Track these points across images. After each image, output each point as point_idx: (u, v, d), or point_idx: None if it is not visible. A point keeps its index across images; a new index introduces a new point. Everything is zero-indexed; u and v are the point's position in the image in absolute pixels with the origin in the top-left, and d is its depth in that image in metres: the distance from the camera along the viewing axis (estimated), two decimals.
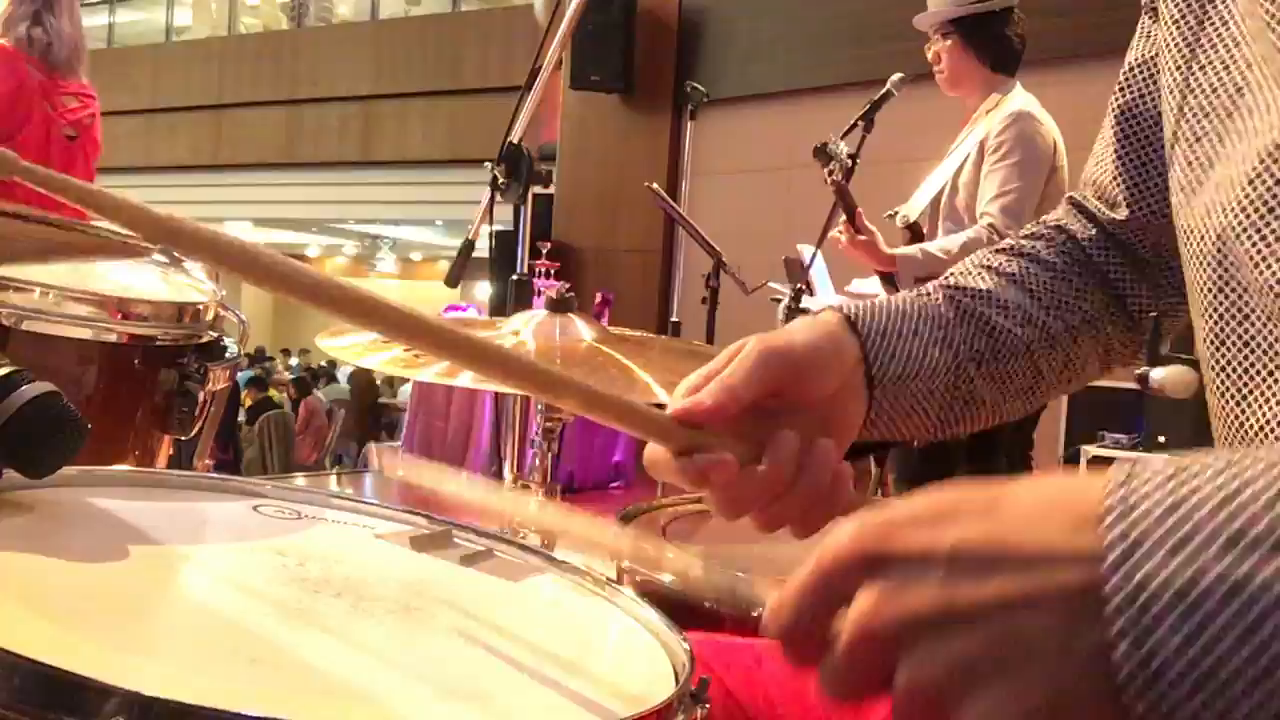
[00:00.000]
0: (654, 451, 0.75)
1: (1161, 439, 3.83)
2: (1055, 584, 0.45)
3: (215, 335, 1.61)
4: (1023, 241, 0.94)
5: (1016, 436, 3.63)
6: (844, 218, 3.11)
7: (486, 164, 2.22)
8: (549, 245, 6.03)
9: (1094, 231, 0.93)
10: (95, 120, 3.55)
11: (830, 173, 3.12)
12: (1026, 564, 0.46)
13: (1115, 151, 0.90)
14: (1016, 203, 2.96)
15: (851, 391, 0.81)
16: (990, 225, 2.95)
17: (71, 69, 3.46)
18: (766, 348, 0.76)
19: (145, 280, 1.68)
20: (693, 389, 0.76)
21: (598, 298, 6.59)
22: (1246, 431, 0.70)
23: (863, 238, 3.07)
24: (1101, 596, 0.44)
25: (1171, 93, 0.78)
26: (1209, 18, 0.76)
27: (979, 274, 0.90)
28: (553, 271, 5.64)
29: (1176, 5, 0.79)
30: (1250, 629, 0.41)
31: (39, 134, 3.33)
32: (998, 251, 0.93)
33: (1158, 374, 0.72)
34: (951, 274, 0.91)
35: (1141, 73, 0.88)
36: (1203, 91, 0.75)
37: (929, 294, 0.88)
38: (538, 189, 2.40)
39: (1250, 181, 0.68)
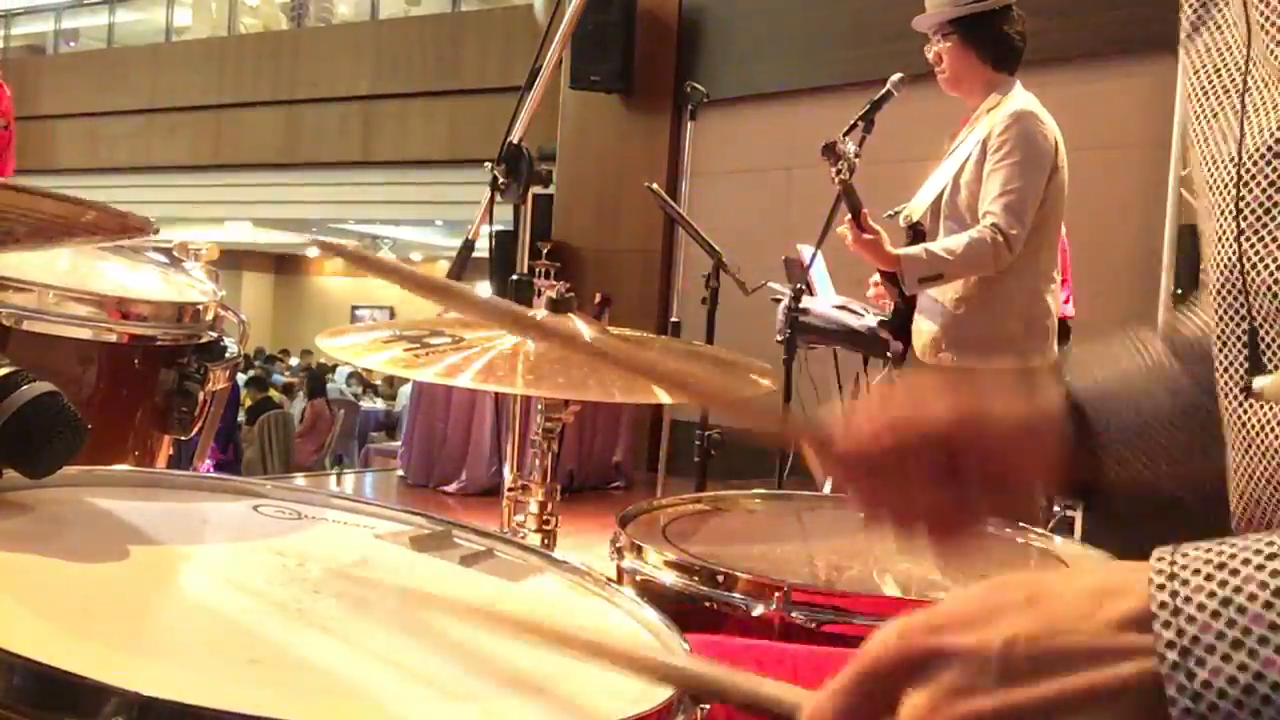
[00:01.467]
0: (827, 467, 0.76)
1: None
2: (1112, 681, 0.45)
3: (215, 335, 1.61)
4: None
5: None
6: (849, 216, 3.11)
7: (486, 164, 2.21)
8: (549, 245, 6.03)
9: None
10: (11, 102, 3.72)
11: (838, 171, 3.11)
12: (1080, 661, 0.45)
13: None
14: (1019, 202, 2.96)
15: (1036, 469, 0.80)
16: (994, 225, 2.95)
17: None
18: (959, 416, 0.74)
19: (145, 280, 1.68)
20: (867, 414, 0.75)
21: (598, 298, 6.59)
22: (1249, 431, 0.71)
23: (868, 237, 3.07)
24: (1160, 694, 0.44)
25: (1186, 97, 0.79)
26: (1205, 23, 0.76)
27: (1191, 328, 0.88)
28: (553, 271, 5.63)
29: (1186, 12, 0.79)
30: None
31: None
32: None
33: (1260, 382, 0.72)
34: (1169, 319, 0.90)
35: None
36: (1197, 95, 0.76)
37: (1149, 344, 0.87)
38: (538, 189, 2.40)
39: (1245, 183, 0.69)
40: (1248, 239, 0.69)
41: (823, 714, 0.51)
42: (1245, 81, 0.71)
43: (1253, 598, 0.44)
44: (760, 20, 7.62)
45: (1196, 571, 0.46)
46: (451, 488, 6.32)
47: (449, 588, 0.87)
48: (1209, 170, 0.73)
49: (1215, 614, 0.44)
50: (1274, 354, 0.69)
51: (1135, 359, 0.86)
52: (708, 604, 1.15)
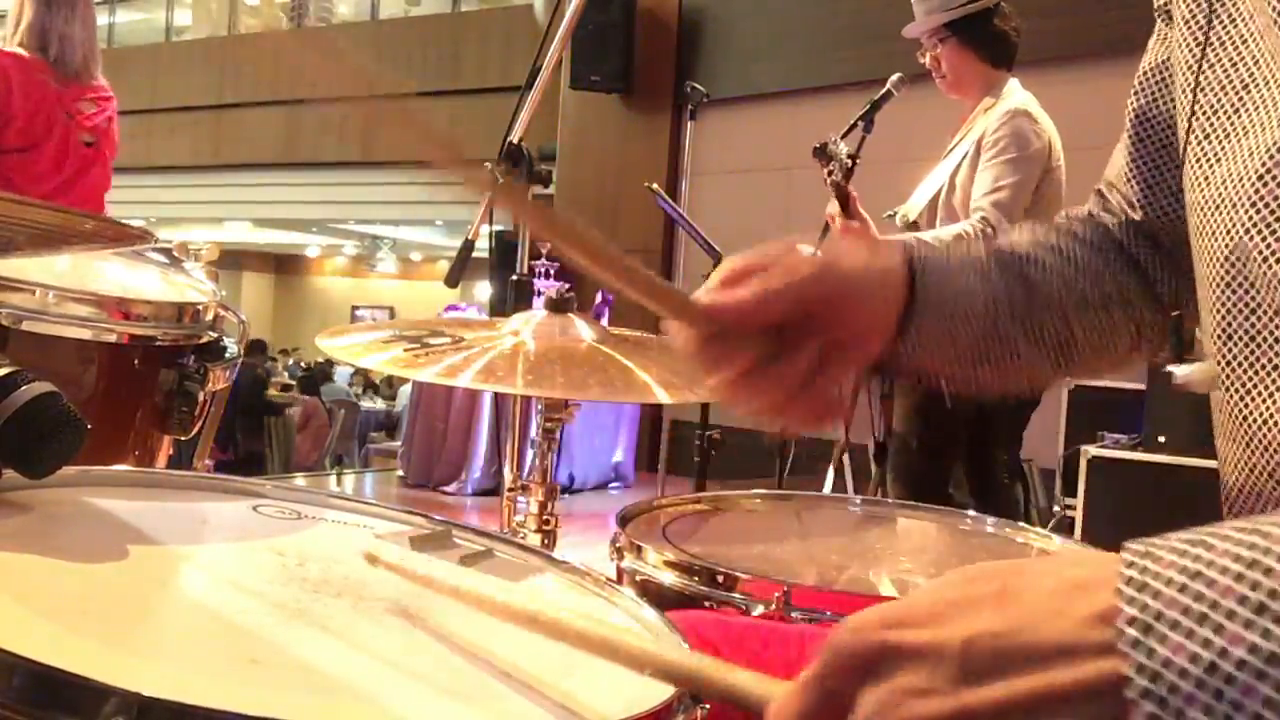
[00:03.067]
0: (675, 327, 0.75)
1: (1161, 439, 3.82)
2: (1077, 679, 0.42)
3: (215, 335, 1.61)
4: (1061, 221, 0.96)
5: (1013, 434, 3.64)
6: (837, 206, 3.12)
7: (486, 164, 2.21)
8: (549, 245, 6.02)
9: (1122, 219, 0.94)
10: (113, 121, 3.50)
11: (830, 173, 3.12)
12: (1045, 659, 0.43)
13: (1129, 154, 0.91)
14: (1009, 199, 2.97)
15: (884, 321, 0.81)
16: (983, 219, 2.96)
17: (88, 72, 3.40)
18: (820, 269, 0.75)
19: (145, 280, 1.68)
20: (733, 277, 0.75)
21: (598, 298, 6.59)
22: (1249, 425, 0.71)
23: (855, 223, 3.07)
24: (1124, 682, 0.41)
25: (1184, 92, 0.79)
26: (1217, 15, 0.76)
27: (1020, 239, 0.92)
28: (553, 271, 5.63)
29: (1187, 5, 0.79)
30: None
31: (59, 145, 3.28)
32: (1037, 225, 0.95)
33: (1183, 370, 0.73)
34: (995, 239, 0.93)
35: (1155, 76, 0.89)
36: (1211, 89, 0.75)
37: (974, 244, 0.90)
38: (538, 189, 2.40)
39: (1260, 177, 0.68)
40: (1259, 232, 0.68)
41: (784, 713, 0.49)
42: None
43: (1224, 570, 0.41)
44: (760, 20, 7.63)
45: (1172, 549, 0.43)
46: (451, 488, 6.32)
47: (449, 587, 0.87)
48: (1225, 164, 0.72)
49: (1183, 588, 0.41)
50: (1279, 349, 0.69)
51: (960, 246, 0.89)
52: (708, 604, 1.15)
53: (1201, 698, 0.39)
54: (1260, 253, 0.68)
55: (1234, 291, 0.71)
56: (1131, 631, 0.41)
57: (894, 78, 3.40)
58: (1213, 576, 0.41)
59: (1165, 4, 0.85)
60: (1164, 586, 0.42)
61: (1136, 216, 0.92)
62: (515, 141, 2.18)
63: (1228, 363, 0.72)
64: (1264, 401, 0.69)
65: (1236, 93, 0.73)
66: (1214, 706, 0.39)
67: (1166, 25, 0.86)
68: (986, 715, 0.44)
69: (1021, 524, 1.52)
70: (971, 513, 1.62)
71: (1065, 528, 4.21)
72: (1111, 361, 0.94)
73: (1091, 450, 3.92)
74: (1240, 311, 0.71)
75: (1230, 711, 0.39)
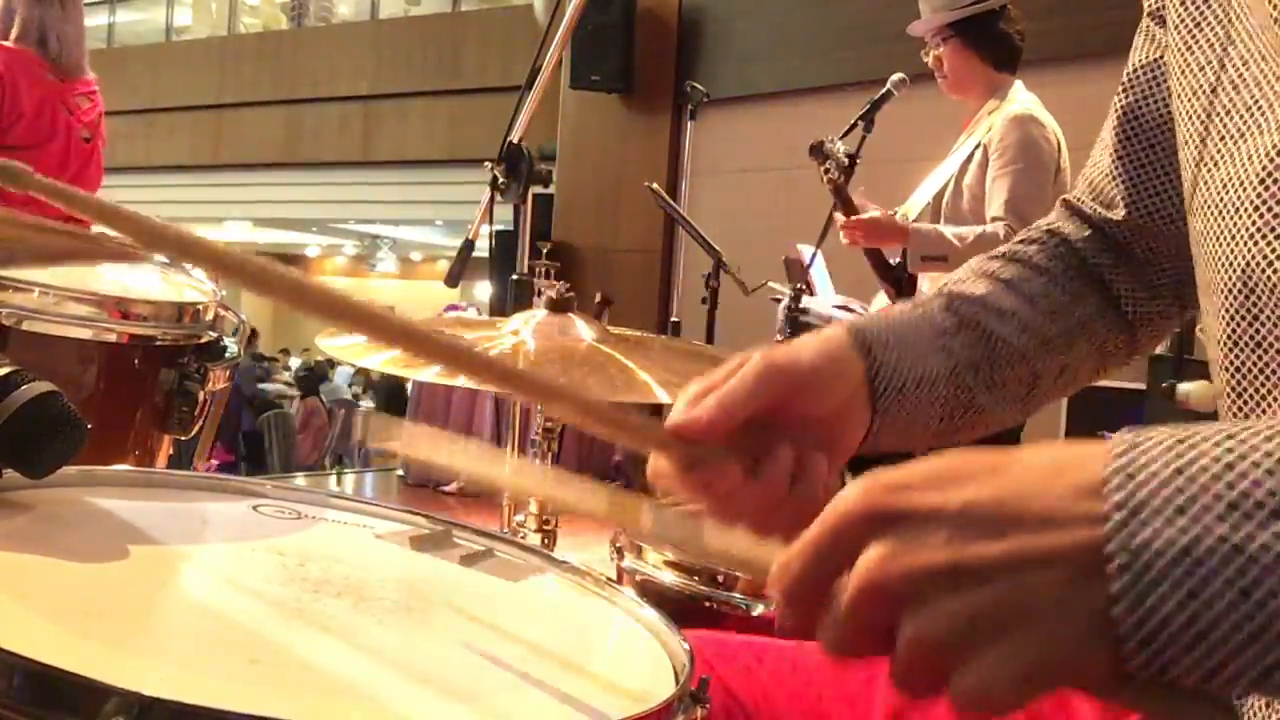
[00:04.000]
0: (658, 463, 0.75)
1: None
2: (1060, 544, 0.46)
3: (215, 335, 1.61)
4: (1017, 248, 0.94)
5: (1014, 434, 3.64)
6: (842, 213, 3.12)
7: (486, 164, 2.21)
8: (549, 245, 6.03)
9: (1088, 233, 0.93)
10: (102, 117, 3.49)
11: (826, 171, 3.12)
12: (1033, 525, 0.47)
13: (1115, 152, 0.90)
14: (1028, 207, 2.96)
15: (852, 410, 0.80)
16: (1007, 226, 2.95)
17: (81, 68, 3.38)
18: (768, 365, 0.75)
19: (145, 280, 1.68)
20: (693, 400, 0.75)
21: (598, 297, 6.59)
22: None
23: (871, 214, 3.07)
24: (1104, 556, 0.45)
25: (1180, 95, 0.78)
26: (1205, 19, 0.76)
27: (975, 280, 0.90)
28: (553, 271, 5.64)
29: (1178, 8, 0.79)
30: (1247, 589, 0.43)
31: (63, 142, 3.26)
32: (993, 258, 0.93)
33: (1184, 388, 0.72)
34: (949, 281, 0.91)
35: (1145, 75, 0.88)
36: (1203, 92, 0.75)
37: (927, 303, 0.88)
38: (538, 189, 2.40)
39: (1262, 180, 0.68)
40: (1264, 236, 0.68)
41: (789, 569, 0.53)
42: None
43: (1205, 469, 0.46)
44: (760, 20, 7.62)
45: (1160, 443, 0.47)
46: (451, 488, 6.32)
47: (449, 587, 0.87)
48: (1226, 168, 0.72)
49: (1167, 481, 0.46)
50: None
51: (914, 314, 0.87)
52: (708, 604, 1.15)
53: (1173, 574, 0.44)
54: (1265, 257, 0.68)
55: (1239, 298, 0.70)
56: (1118, 516, 0.46)
57: (894, 78, 3.39)
58: (1194, 473, 0.46)
59: (1159, 8, 0.85)
60: (1150, 478, 0.46)
61: (1117, 215, 0.90)
62: (515, 141, 2.18)
63: (1235, 369, 0.72)
64: (1273, 409, 0.69)
65: (1228, 95, 0.72)
66: (1183, 583, 0.44)
67: (1159, 27, 0.86)
68: (976, 569, 0.47)
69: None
70: None
71: None
72: (1075, 389, 0.94)
73: None
74: (1246, 318, 0.70)
75: (1195, 588, 0.44)
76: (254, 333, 13.29)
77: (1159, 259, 0.90)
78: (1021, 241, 0.95)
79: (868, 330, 0.83)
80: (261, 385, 11.04)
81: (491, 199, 2.24)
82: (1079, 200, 0.94)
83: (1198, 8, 0.77)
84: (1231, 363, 0.72)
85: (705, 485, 0.73)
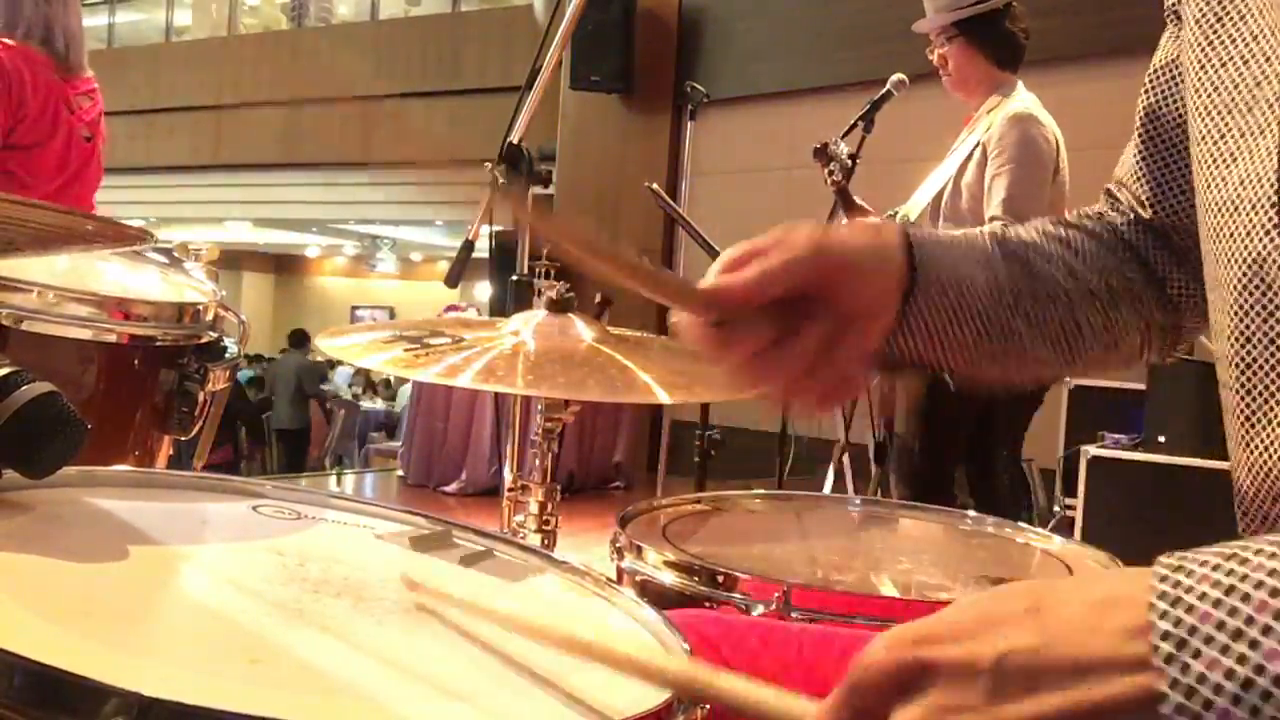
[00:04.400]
0: (683, 316, 0.76)
1: (1161, 439, 3.82)
2: (1114, 694, 0.42)
3: (215, 335, 1.61)
4: (1067, 219, 0.95)
5: (1014, 435, 3.64)
6: (845, 219, 3.12)
7: (486, 164, 2.21)
8: (549, 245, 6.03)
9: (1131, 217, 0.93)
10: (102, 116, 3.46)
11: (830, 173, 3.12)
12: (1075, 676, 0.43)
13: (1139, 152, 0.91)
14: (1025, 205, 2.97)
15: (889, 297, 0.80)
16: (1004, 228, 2.95)
17: (82, 66, 3.36)
18: (816, 244, 0.75)
19: (145, 280, 1.68)
20: (733, 263, 0.75)
21: (598, 297, 6.59)
22: (1268, 430, 0.70)
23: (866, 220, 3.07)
24: (1158, 703, 0.41)
25: (1195, 92, 0.78)
26: (1228, 14, 0.76)
27: (1025, 229, 0.91)
28: (553, 271, 5.63)
29: (1197, 4, 0.79)
30: None
31: (64, 141, 3.24)
32: (1044, 220, 0.94)
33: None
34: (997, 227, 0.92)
35: (1165, 75, 0.88)
36: (1224, 88, 0.75)
37: (974, 233, 0.89)
38: (538, 189, 2.40)
39: (1277, 177, 0.68)
40: (1278, 233, 0.68)
41: None
42: None
43: (1260, 585, 0.41)
44: (760, 20, 7.62)
45: (1204, 563, 0.43)
46: (451, 488, 6.32)
47: (449, 588, 0.87)
48: (1241, 164, 0.72)
49: (1217, 602, 0.41)
50: None
51: (962, 235, 0.88)
52: (707, 604, 1.15)
53: (1237, 714, 0.39)
54: None
55: (1253, 294, 0.70)
56: (1165, 646, 0.41)
57: (894, 78, 3.40)
58: (1247, 590, 0.41)
59: (1175, 4, 0.85)
60: (1198, 601, 0.42)
61: (1146, 215, 0.91)
62: (515, 141, 2.18)
63: (1245, 366, 0.72)
64: None
65: (1250, 90, 0.72)
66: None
67: (1176, 26, 0.86)
68: None
69: (1021, 524, 1.52)
70: (972, 513, 1.62)
71: (1065, 528, 4.21)
72: (1120, 358, 0.93)
73: (1091, 450, 3.92)
74: (1260, 314, 0.70)
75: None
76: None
77: (1194, 251, 0.90)
78: (1077, 214, 0.96)
79: (915, 230, 0.83)
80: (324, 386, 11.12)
81: (491, 199, 2.24)
82: (1119, 189, 0.95)
83: (1211, 6, 0.78)
84: (1242, 358, 0.72)
85: (731, 343, 0.73)
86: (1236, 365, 0.73)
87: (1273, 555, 0.41)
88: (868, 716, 0.47)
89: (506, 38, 11.87)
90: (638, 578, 1.21)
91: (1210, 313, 0.77)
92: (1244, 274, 0.71)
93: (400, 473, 6.76)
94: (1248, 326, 0.71)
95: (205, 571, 0.82)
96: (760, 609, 1.12)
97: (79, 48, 3.28)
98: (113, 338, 1.45)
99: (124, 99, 14.41)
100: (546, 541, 1.48)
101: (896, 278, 0.81)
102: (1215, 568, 0.42)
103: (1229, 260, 0.72)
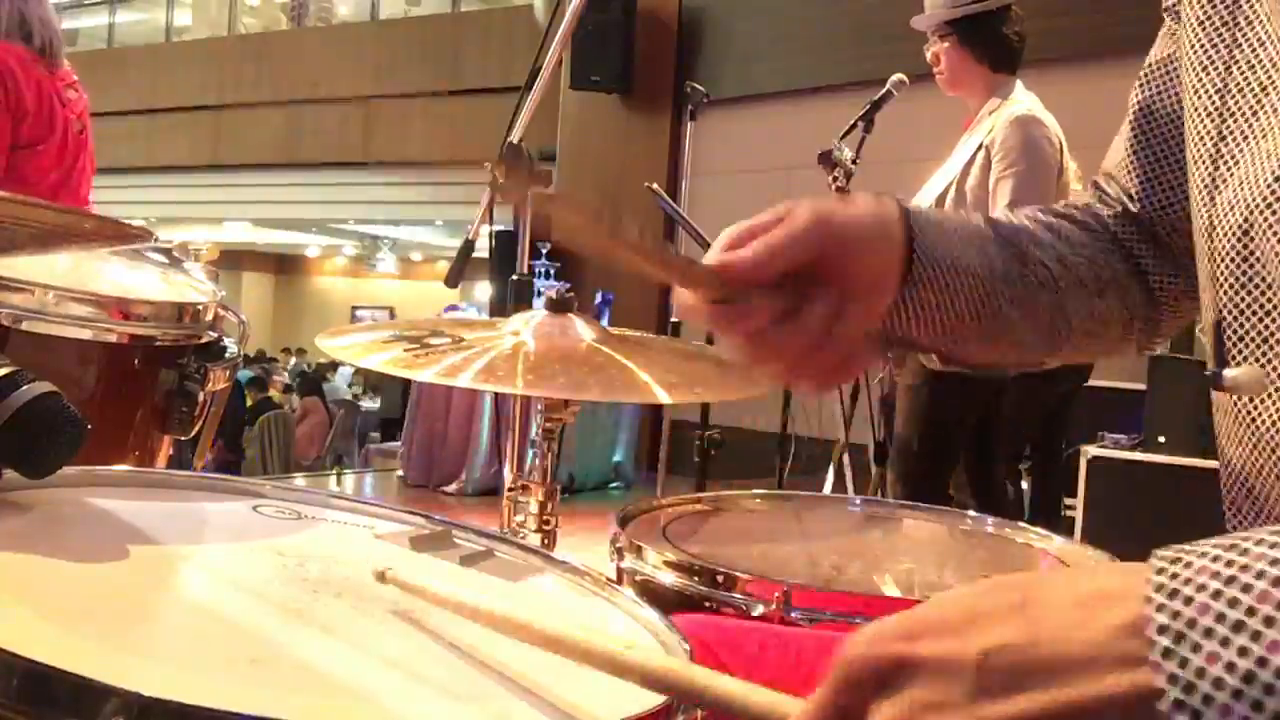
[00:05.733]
0: (686, 294, 0.76)
1: (1161, 439, 3.82)
2: (1104, 692, 0.40)
3: (215, 335, 1.61)
4: (1056, 208, 0.96)
5: (1014, 435, 3.64)
6: None
7: (486, 164, 2.21)
8: (549, 245, 6.03)
9: (1119, 209, 0.94)
10: (87, 107, 3.44)
11: (834, 179, 3.12)
12: (1064, 673, 0.41)
13: (1130, 146, 0.92)
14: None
15: (890, 271, 0.81)
16: (1000, 211, 2.96)
17: (61, 57, 3.31)
18: (818, 218, 0.76)
19: (145, 280, 1.68)
20: (735, 241, 0.76)
21: (598, 298, 6.58)
22: (1258, 428, 0.70)
23: None
24: (1156, 699, 0.39)
25: (1194, 93, 0.78)
26: (1235, 19, 0.76)
27: (1018, 216, 0.93)
28: (553, 271, 5.63)
29: (1201, 6, 0.79)
30: None
31: (61, 136, 3.20)
32: (1034, 210, 0.95)
33: (1231, 373, 0.72)
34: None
35: (1161, 70, 0.89)
36: (1227, 91, 0.75)
37: (970, 216, 0.90)
38: (538, 189, 2.40)
39: (1277, 178, 0.68)
40: (1275, 233, 0.68)
41: None
42: None
43: (1261, 575, 0.39)
44: (760, 20, 7.63)
45: (1203, 554, 0.41)
46: (451, 488, 6.32)
47: (449, 588, 0.87)
48: (1244, 166, 0.72)
49: (1217, 594, 0.39)
50: None
51: (958, 216, 0.89)
52: (707, 604, 1.15)
53: (1238, 709, 0.38)
54: (1276, 252, 0.68)
55: (1247, 293, 0.71)
56: (1163, 641, 0.39)
57: (894, 78, 3.40)
58: (1248, 581, 0.39)
59: (1174, 3, 0.85)
60: (1196, 593, 0.40)
61: (1134, 208, 0.92)
62: (515, 141, 2.18)
63: (1237, 365, 0.72)
64: (1275, 404, 0.69)
65: (1255, 95, 0.73)
66: (1252, 718, 0.37)
67: (1175, 23, 0.86)
68: None
69: (1021, 524, 1.52)
70: (971, 513, 1.62)
71: (1065, 528, 4.21)
72: (1101, 347, 0.94)
73: (1091, 450, 3.92)
74: (1254, 314, 0.70)
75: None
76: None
77: (1183, 243, 0.90)
78: (1066, 205, 0.97)
79: (913, 208, 0.84)
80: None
81: (491, 199, 2.24)
82: (1106, 182, 0.95)
83: (1217, 9, 0.78)
84: (1234, 357, 0.72)
85: (734, 321, 0.74)
86: (1231, 363, 0.73)
87: (1274, 545, 0.40)
88: (849, 713, 0.46)
89: (506, 38, 11.87)
90: (637, 578, 1.21)
91: (1202, 311, 0.78)
92: (1240, 272, 0.71)
93: (400, 473, 6.77)
94: (1240, 325, 0.72)
95: (205, 571, 0.82)
96: (760, 609, 1.11)
97: (58, 39, 3.21)
98: (113, 338, 1.45)
99: (124, 99, 14.41)
100: (546, 541, 1.48)
101: (896, 251, 0.81)
102: (1214, 559, 0.41)
103: (1224, 258, 0.73)
